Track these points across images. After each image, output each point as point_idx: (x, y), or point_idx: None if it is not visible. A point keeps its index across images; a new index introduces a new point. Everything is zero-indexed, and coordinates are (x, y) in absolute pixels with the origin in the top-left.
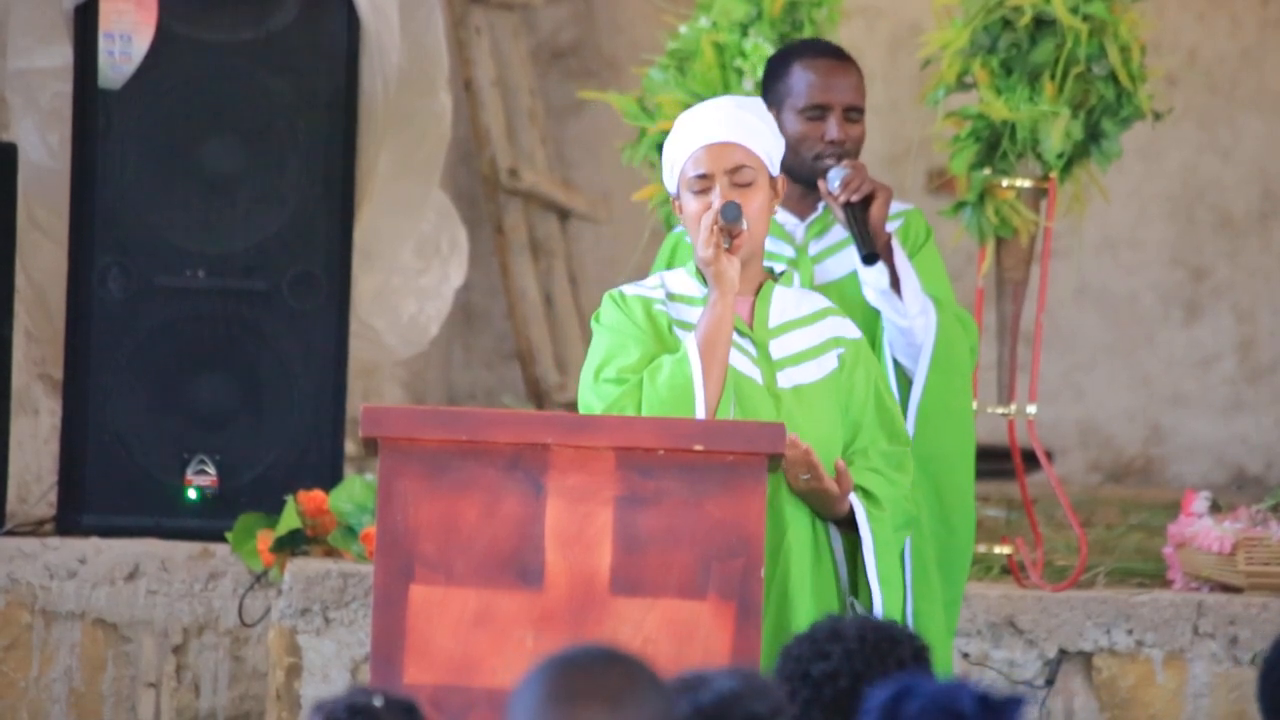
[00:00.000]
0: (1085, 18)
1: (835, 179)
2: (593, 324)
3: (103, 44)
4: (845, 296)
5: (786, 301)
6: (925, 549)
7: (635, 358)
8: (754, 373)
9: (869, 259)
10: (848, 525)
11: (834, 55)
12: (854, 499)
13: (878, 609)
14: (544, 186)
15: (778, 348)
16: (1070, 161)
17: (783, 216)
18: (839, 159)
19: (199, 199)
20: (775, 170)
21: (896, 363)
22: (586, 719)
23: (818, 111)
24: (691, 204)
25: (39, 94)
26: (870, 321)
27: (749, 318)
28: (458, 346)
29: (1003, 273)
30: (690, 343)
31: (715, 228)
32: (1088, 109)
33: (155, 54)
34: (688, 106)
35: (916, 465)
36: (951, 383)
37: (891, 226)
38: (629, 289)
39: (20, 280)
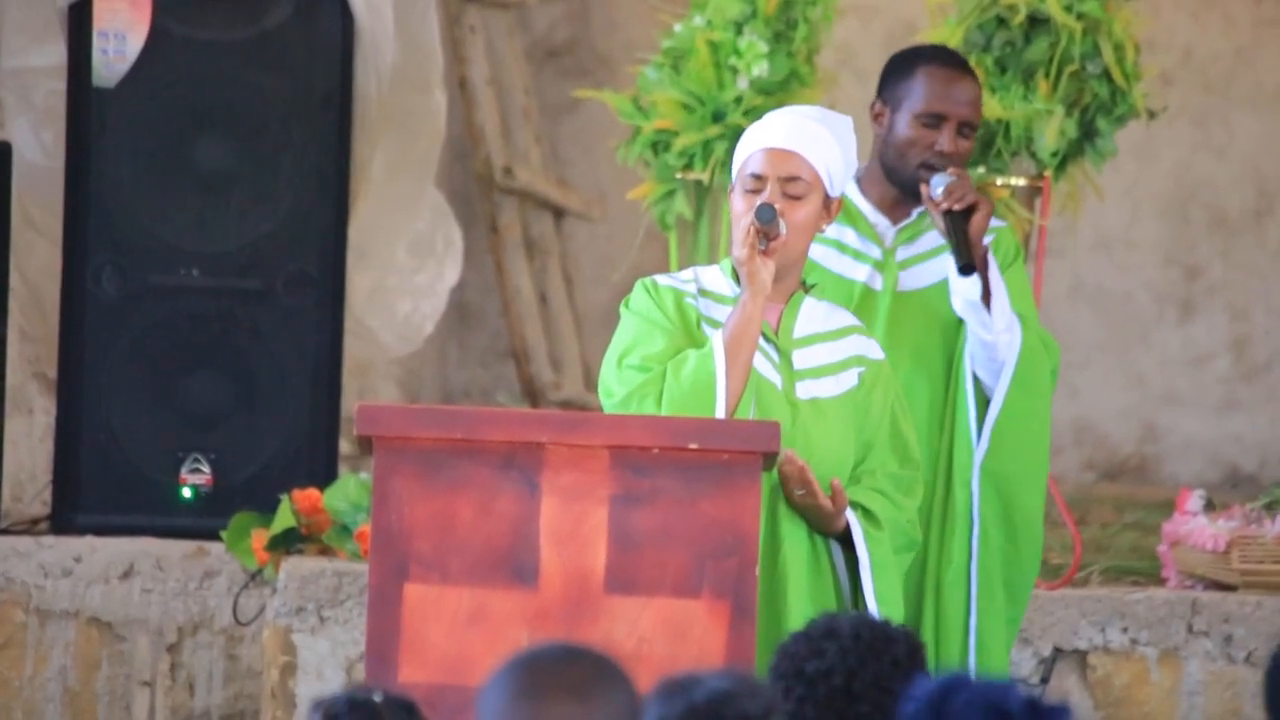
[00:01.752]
0: (1079, 16)
1: (939, 185)
2: (622, 309)
3: (97, 42)
4: (928, 306)
5: (815, 314)
6: (992, 567)
7: (661, 347)
8: (775, 379)
9: (966, 269)
10: (849, 544)
11: (960, 66)
12: (851, 517)
13: None
14: (539, 185)
15: (800, 359)
16: (1064, 160)
17: (875, 218)
18: (940, 170)
19: (193, 197)
20: (835, 190)
21: (976, 379)
22: (553, 714)
23: (933, 120)
24: (739, 203)
25: (33, 92)
26: (949, 333)
27: (776, 325)
28: (452, 345)
29: None
30: (717, 339)
31: (753, 228)
32: (1082, 107)
33: (149, 52)
34: (683, 105)
35: (988, 482)
36: (1031, 404)
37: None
38: (662, 279)
39: (14, 279)
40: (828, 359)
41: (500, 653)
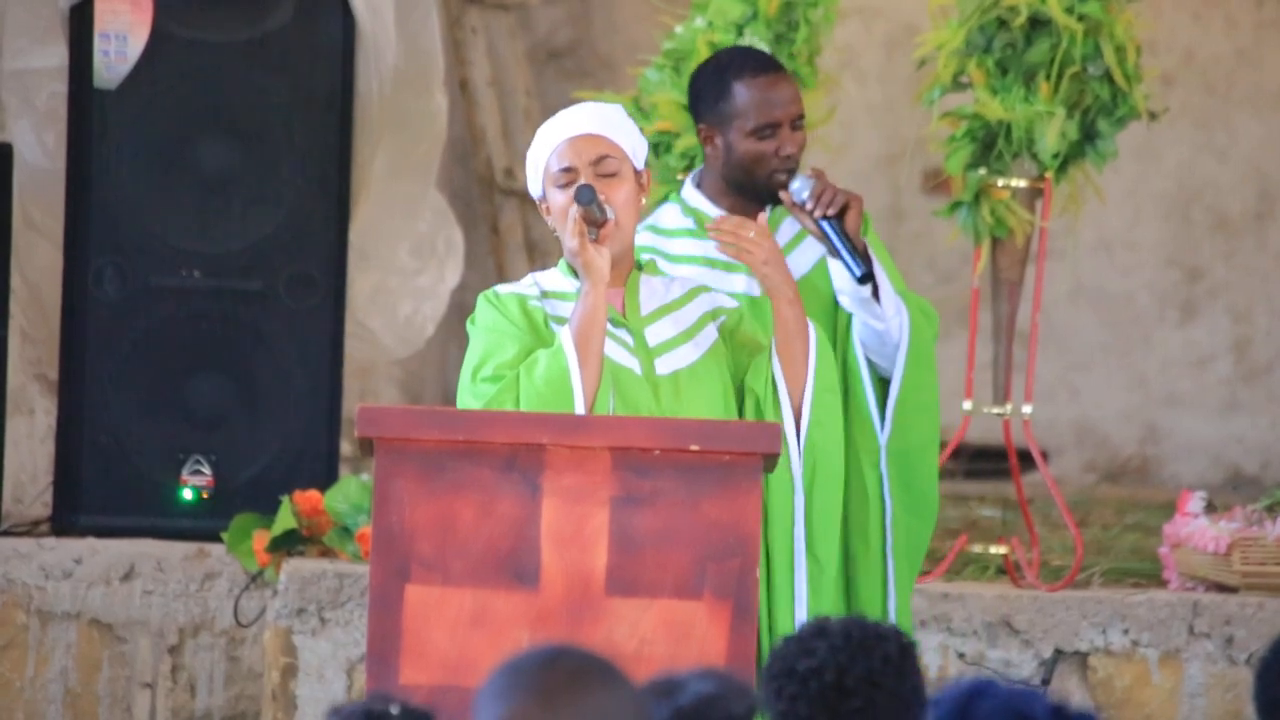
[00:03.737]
0: (1081, 18)
1: (803, 190)
2: (468, 327)
3: (98, 44)
4: (817, 289)
5: (655, 288)
6: (900, 545)
7: (512, 354)
8: (632, 362)
9: (866, 279)
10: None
11: (771, 68)
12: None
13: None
14: None
15: (653, 334)
16: (1066, 162)
17: None
18: (792, 171)
19: (194, 199)
20: (639, 164)
21: (870, 361)
22: (552, 715)
23: (769, 130)
24: (558, 198)
25: (35, 94)
26: (832, 312)
27: (621, 308)
28: (454, 347)
29: (998, 273)
30: (565, 334)
31: (578, 217)
32: (1083, 109)
33: (151, 54)
34: (684, 106)
35: (892, 461)
36: (923, 377)
37: None
38: (502, 288)
39: (16, 280)
40: (679, 328)
41: (501, 654)
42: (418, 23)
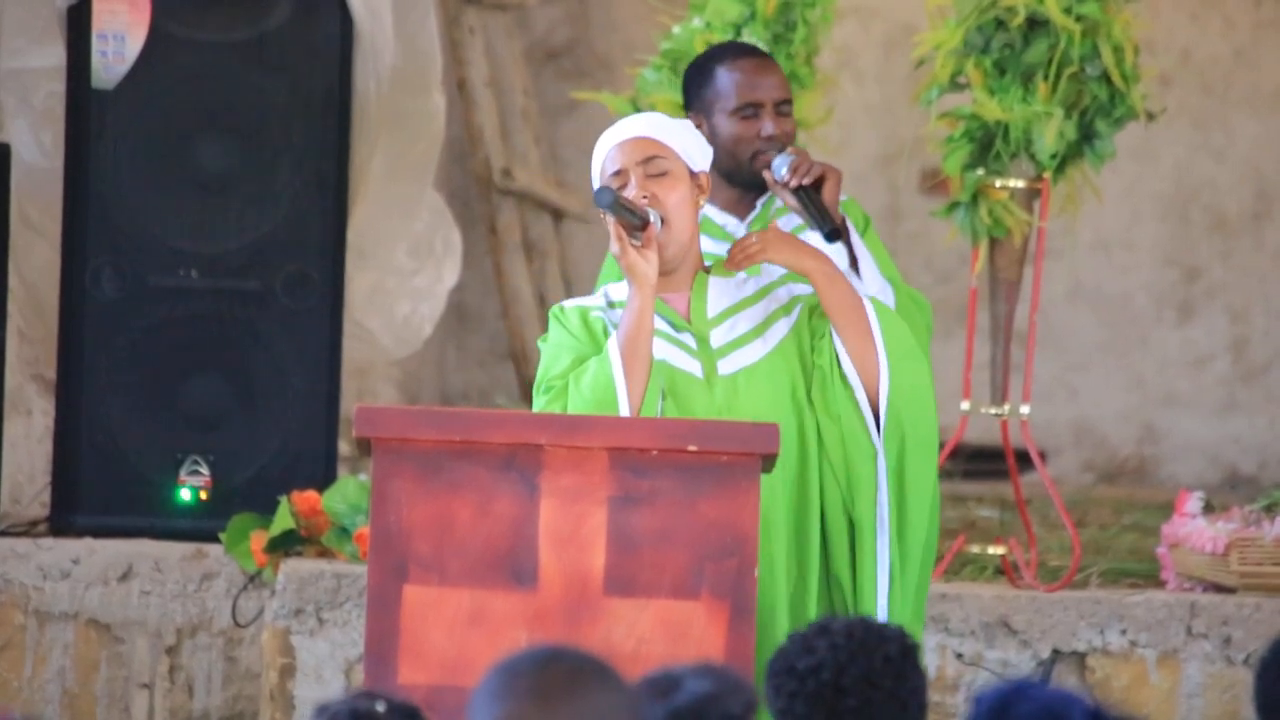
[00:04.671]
0: (1078, 18)
1: (781, 166)
2: (539, 345)
3: (96, 44)
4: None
5: (725, 288)
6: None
7: (566, 364)
8: (692, 366)
9: (832, 235)
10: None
11: (754, 54)
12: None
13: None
14: (538, 187)
15: (719, 335)
16: (1063, 162)
17: (722, 219)
18: (777, 153)
19: (192, 199)
20: (696, 166)
21: None
22: (550, 716)
23: (750, 110)
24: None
25: (32, 94)
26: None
27: (686, 312)
28: (451, 347)
29: (996, 273)
30: (612, 342)
31: (614, 223)
32: (1081, 109)
33: (148, 54)
34: (681, 106)
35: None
36: (912, 361)
37: None
38: (569, 302)
39: (13, 280)
40: (750, 324)
41: (499, 654)
42: (415, 23)
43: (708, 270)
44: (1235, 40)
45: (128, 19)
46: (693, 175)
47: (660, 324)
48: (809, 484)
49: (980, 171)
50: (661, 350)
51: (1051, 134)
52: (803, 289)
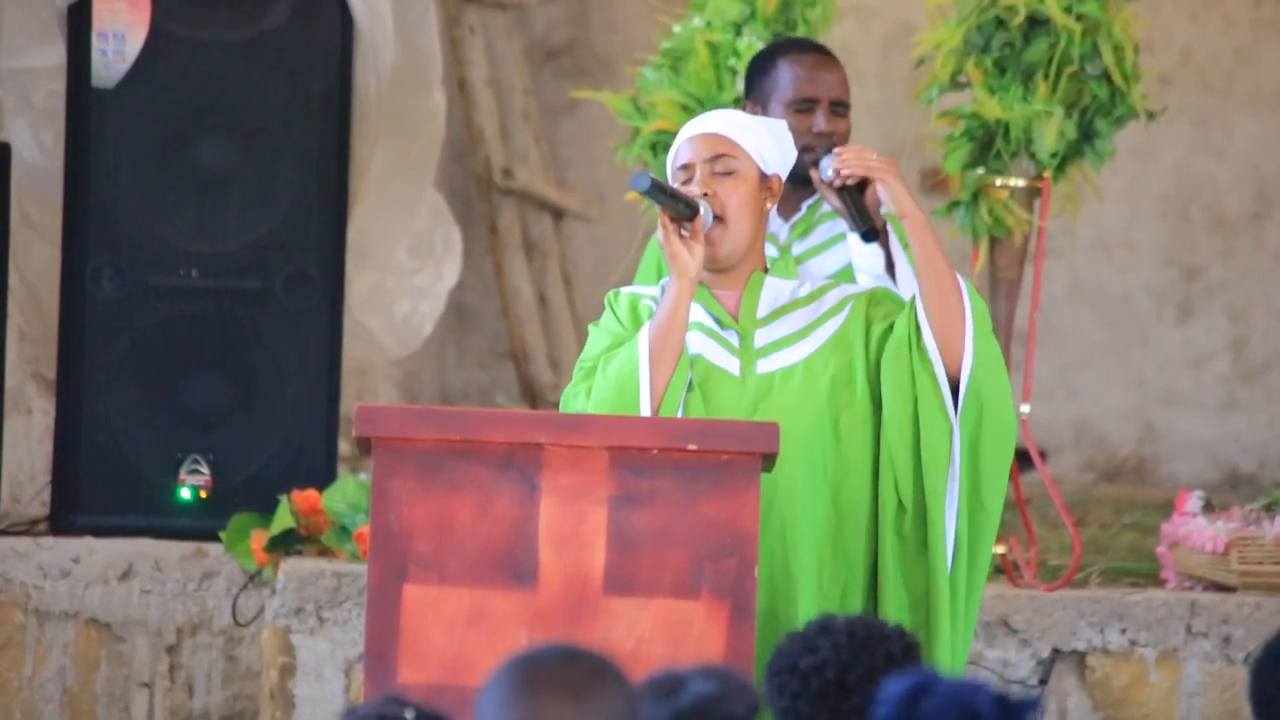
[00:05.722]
0: (1079, 17)
1: (828, 167)
2: (589, 329)
3: (96, 43)
4: None
5: (780, 290)
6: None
7: (602, 347)
8: (730, 363)
9: (869, 235)
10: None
11: (819, 51)
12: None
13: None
14: (538, 186)
15: (765, 335)
16: (1064, 161)
17: None
18: (827, 152)
19: (193, 198)
20: (769, 168)
21: None
22: (550, 715)
23: (806, 105)
24: None
25: (32, 93)
26: None
27: (735, 309)
28: (451, 346)
29: (996, 272)
30: (642, 331)
31: (662, 213)
32: (1081, 108)
33: (149, 53)
34: (682, 106)
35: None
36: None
37: None
38: (625, 289)
39: (14, 280)
40: (799, 324)
41: (499, 654)
42: (415, 22)
43: (766, 270)
44: (1235, 39)
45: (128, 18)
46: (763, 178)
47: (706, 319)
48: (848, 481)
49: (980, 170)
50: (700, 345)
51: (1052, 133)
52: (855, 288)
